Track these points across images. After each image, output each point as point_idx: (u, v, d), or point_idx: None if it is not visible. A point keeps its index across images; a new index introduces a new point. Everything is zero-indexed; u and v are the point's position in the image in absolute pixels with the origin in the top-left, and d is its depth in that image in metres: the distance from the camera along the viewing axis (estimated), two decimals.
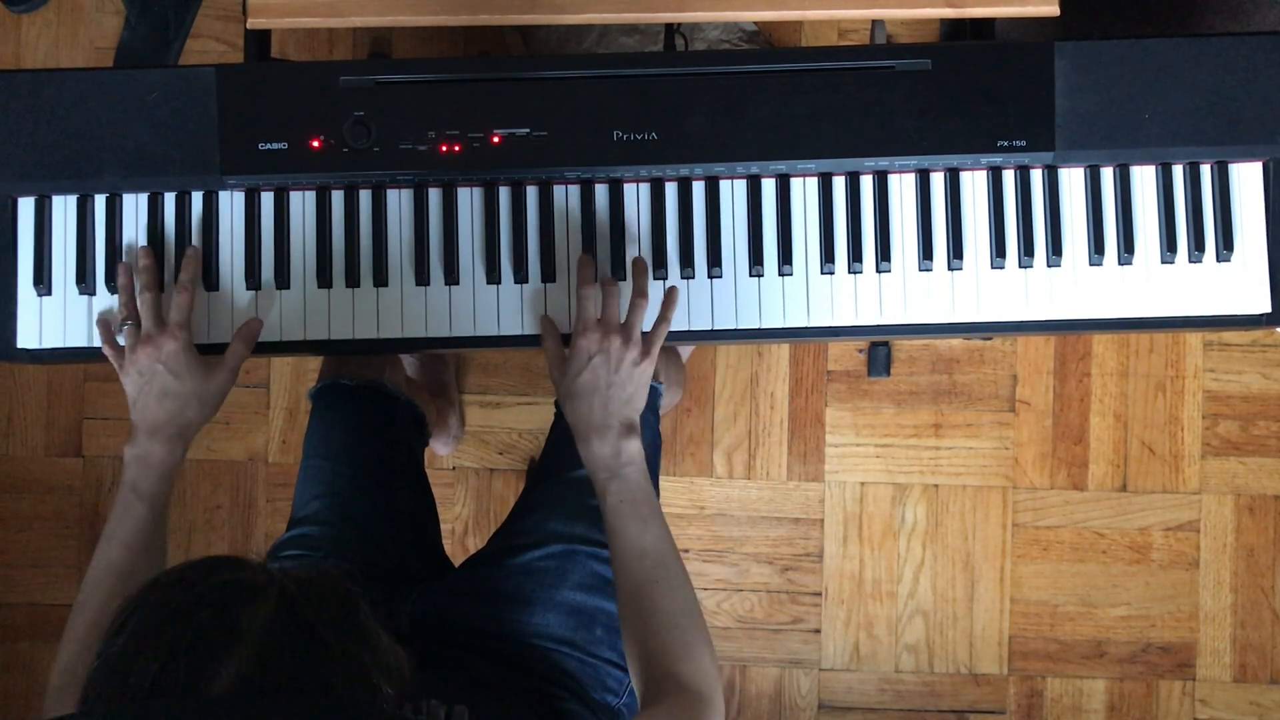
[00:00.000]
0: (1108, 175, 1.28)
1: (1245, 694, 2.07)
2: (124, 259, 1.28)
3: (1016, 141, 1.25)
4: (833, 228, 1.27)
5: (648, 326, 1.24)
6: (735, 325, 1.27)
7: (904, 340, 2.05)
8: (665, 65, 1.28)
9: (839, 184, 1.28)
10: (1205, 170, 1.28)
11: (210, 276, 1.28)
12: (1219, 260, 1.27)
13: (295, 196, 1.28)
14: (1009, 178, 1.28)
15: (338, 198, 1.28)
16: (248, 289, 1.27)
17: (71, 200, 1.28)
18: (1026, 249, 1.27)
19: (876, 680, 2.09)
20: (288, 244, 1.28)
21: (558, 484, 1.36)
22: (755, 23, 2.02)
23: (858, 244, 1.27)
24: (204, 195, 1.28)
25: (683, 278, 1.27)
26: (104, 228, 1.28)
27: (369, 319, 1.27)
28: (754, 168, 1.26)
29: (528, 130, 1.25)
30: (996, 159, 1.26)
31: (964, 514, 2.07)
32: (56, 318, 1.28)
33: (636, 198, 1.28)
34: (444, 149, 1.25)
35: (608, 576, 1.26)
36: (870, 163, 1.27)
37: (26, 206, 1.28)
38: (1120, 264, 1.27)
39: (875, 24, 1.97)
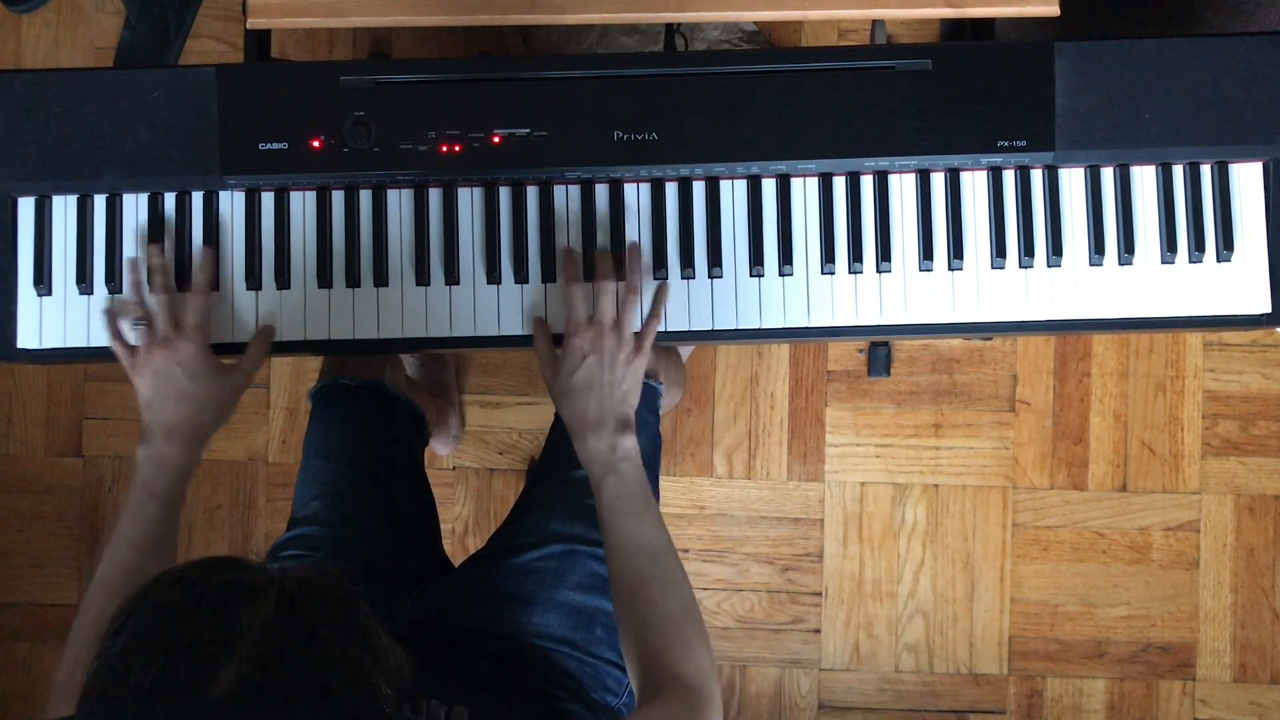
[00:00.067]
0: (1108, 175, 1.28)
1: (1245, 694, 2.07)
2: (132, 256, 1.27)
3: (1016, 141, 1.25)
4: (833, 228, 1.27)
5: (639, 323, 1.24)
6: (735, 325, 1.27)
7: (904, 340, 2.05)
8: (665, 65, 1.28)
9: (839, 184, 1.28)
10: (1205, 170, 1.28)
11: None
12: (1219, 260, 1.27)
13: (295, 196, 1.28)
14: (1009, 178, 1.28)
15: (338, 198, 1.28)
16: (248, 289, 1.27)
17: (71, 200, 1.28)
18: (1027, 249, 1.27)
19: (876, 680, 2.09)
20: (288, 244, 1.28)
21: (558, 484, 1.36)
22: (755, 23, 2.02)
23: (858, 244, 1.27)
24: (204, 195, 1.28)
25: (683, 278, 1.27)
26: (104, 228, 1.28)
27: (369, 319, 1.27)
28: (754, 168, 1.26)
29: (528, 130, 1.25)
30: (997, 159, 1.26)
31: (964, 514, 2.07)
32: (56, 318, 1.28)
33: (637, 198, 1.28)
34: (444, 149, 1.25)
35: (607, 576, 1.26)
36: (870, 163, 1.27)
37: (26, 206, 1.28)
38: (1120, 264, 1.27)
39: (875, 24, 1.96)
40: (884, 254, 1.27)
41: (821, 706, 2.09)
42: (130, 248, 1.28)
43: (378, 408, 1.49)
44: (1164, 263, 1.27)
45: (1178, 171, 1.28)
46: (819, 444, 2.08)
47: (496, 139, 1.25)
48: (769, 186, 1.28)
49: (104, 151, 1.25)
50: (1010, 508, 2.07)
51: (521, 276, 1.27)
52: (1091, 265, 1.28)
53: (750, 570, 2.09)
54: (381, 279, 1.27)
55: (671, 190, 1.28)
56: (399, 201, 1.28)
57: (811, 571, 2.09)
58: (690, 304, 1.27)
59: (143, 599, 0.77)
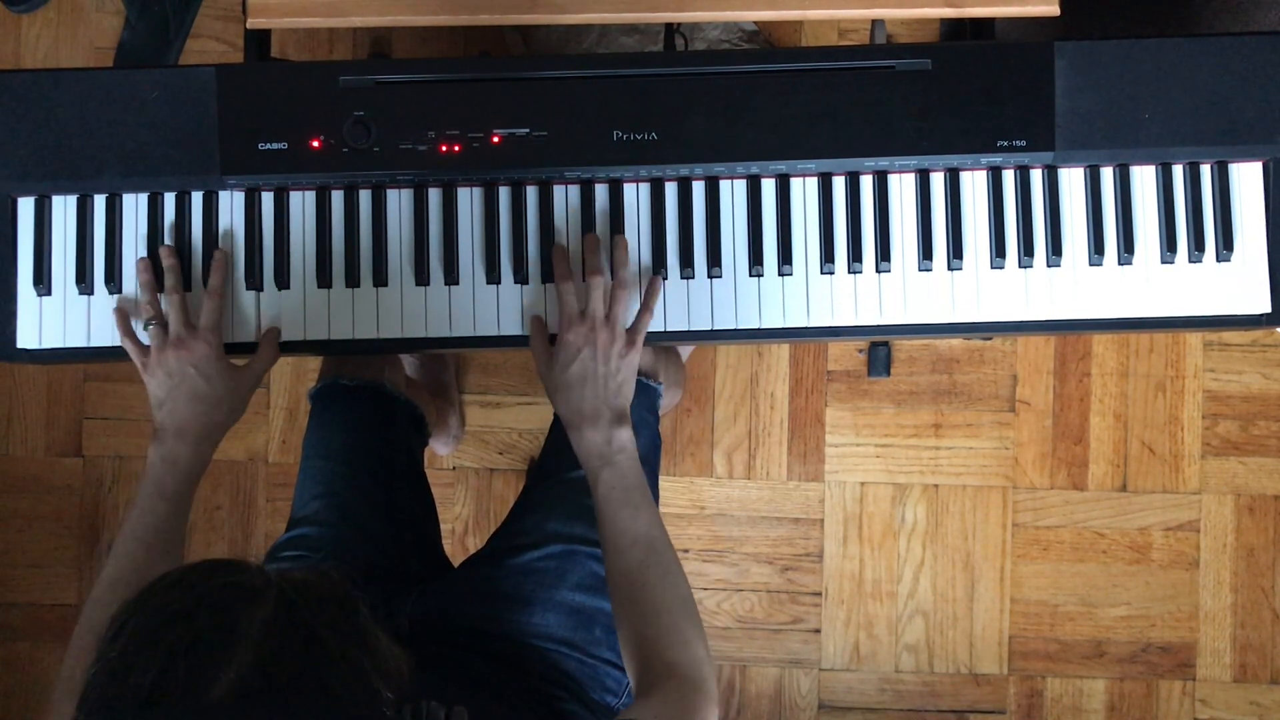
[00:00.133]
0: (1108, 175, 1.28)
1: (1245, 694, 2.07)
2: (143, 255, 1.27)
3: (1016, 141, 1.25)
4: (833, 228, 1.27)
5: (632, 317, 1.24)
6: (735, 325, 1.27)
7: (904, 340, 2.05)
8: (665, 65, 1.28)
9: (839, 184, 1.28)
10: (1205, 170, 1.28)
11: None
12: (1219, 260, 1.27)
13: (295, 196, 1.28)
14: (1009, 178, 1.28)
15: (338, 198, 1.28)
16: (248, 289, 1.27)
17: (71, 200, 1.28)
18: (1026, 249, 1.27)
19: (876, 680, 2.09)
20: (288, 244, 1.28)
21: (557, 484, 1.36)
22: (755, 23, 2.02)
23: (857, 244, 1.27)
24: (204, 195, 1.28)
25: (682, 278, 1.27)
26: (104, 228, 1.28)
27: (369, 319, 1.27)
28: (754, 168, 1.26)
29: (528, 130, 1.25)
30: (996, 159, 1.26)
31: (964, 514, 2.07)
32: (56, 318, 1.28)
33: (636, 198, 1.28)
34: (444, 149, 1.25)
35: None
36: (870, 163, 1.27)
37: (26, 206, 1.28)
38: (1120, 264, 1.27)
39: (875, 24, 1.96)
40: (883, 254, 1.27)
41: (821, 706, 2.09)
42: (130, 247, 1.28)
43: (377, 408, 1.49)
44: (1164, 263, 1.27)
45: (1177, 171, 1.28)
46: (819, 444, 2.08)
47: (496, 139, 1.25)
48: (768, 186, 1.28)
49: (104, 151, 1.25)
50: (1010, 508, 2.07)
51: (521, 276, 1.27)
52: (1091, 265, 1.27)
53: (750, 570, 2.09)
54: (381, 279, 1.27)
55: (671, 190, 1.28)
56: (398, 201, 1.28)
57: (811, 571, 2.09)
58: (690, 304, 1.27)
59: (142, 601, 0.77)
